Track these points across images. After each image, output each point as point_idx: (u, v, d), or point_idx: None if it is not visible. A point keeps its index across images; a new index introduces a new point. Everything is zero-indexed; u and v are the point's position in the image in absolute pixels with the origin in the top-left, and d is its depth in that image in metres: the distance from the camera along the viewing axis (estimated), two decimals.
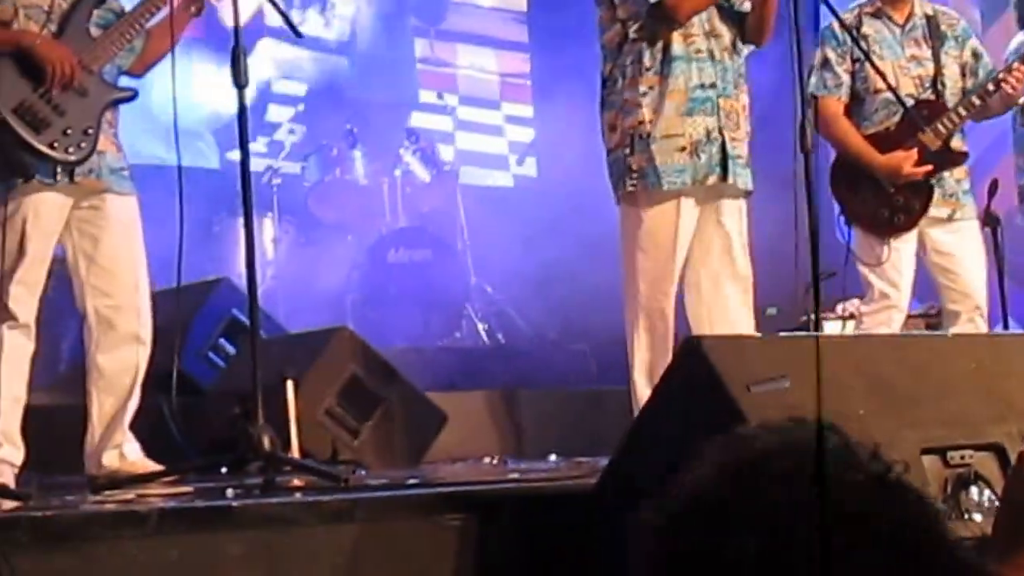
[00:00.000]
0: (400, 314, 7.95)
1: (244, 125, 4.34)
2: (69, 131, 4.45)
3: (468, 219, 8.66)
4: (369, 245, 8.28)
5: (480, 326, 8.18)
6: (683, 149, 5.00)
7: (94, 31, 4.64)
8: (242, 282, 5.31)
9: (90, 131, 4.50)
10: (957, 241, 5.73)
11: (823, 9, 5.25)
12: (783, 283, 5.34)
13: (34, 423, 4.60)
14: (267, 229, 8.07)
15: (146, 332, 4.67)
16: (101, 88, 4.59)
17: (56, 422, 5.02)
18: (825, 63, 5.75)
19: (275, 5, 4.58)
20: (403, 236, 8.32)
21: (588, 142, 8.12)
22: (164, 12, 4.73)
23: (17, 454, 4.44)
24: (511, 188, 9.99)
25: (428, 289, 8.04)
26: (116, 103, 4.69)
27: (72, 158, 4.44)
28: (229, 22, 4.36)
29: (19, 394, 4.47)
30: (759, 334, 5.05)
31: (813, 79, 5.72)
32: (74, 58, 4.48)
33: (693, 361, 3.44)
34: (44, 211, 4.48)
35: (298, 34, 4.74)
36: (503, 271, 8.57)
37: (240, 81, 4.36)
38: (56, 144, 4.40)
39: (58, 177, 4.45)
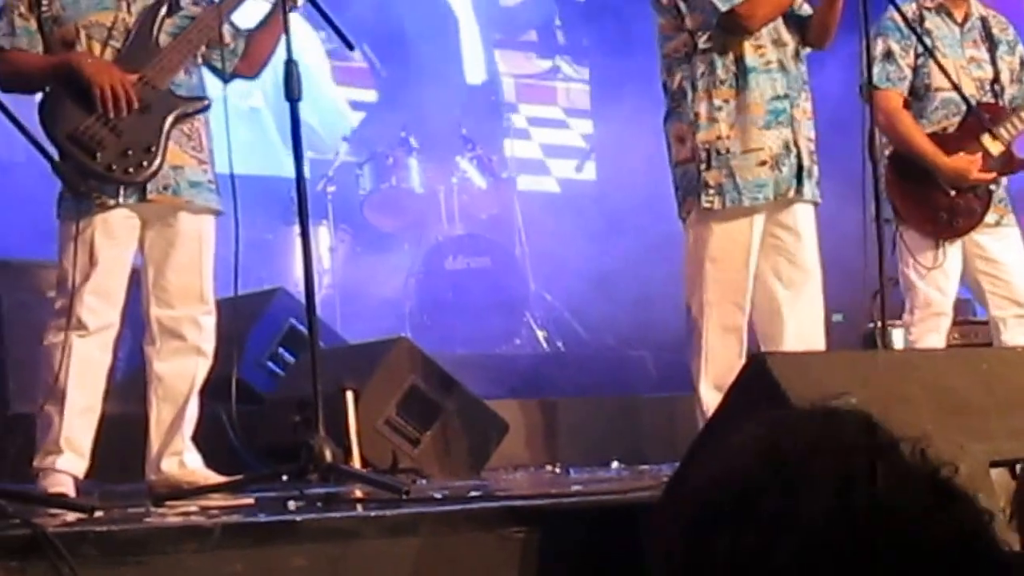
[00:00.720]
0: (458, 322, 7.93)
1: (298, 137, 4.33)
2: (129, 151, 4.41)
3: (526, 225, 8.64)
4: (426, 253, 8.26)
5: (539, 333, 8.15)
6: (764, 163, 4.95)
7: (165, 41, 4.58)
8: (299, 291, 5.30)
9: (153, 148, 4.44)
10: (1003, 248, 5.64)
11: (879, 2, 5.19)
12: (849, 289, 5.28)
13: (112, 430, 4.62)
14: (323, 238, 8.07)
15: (208, 346, 4.66)
16: (166, 102, 4.52)
17: (114, 430, 5.02)
18: (888, 55, 5.60)
19: (326, 17, 4.54)
20: (461, 243, 8.30)
21: (647, 147, 8.10)
22: (253, 10, 4.70)
23: (80, 464, 4.43)
24: (570, 194, 9.95)
25: (486, 296, 8.01)
26: (187, 115, 4.60)
27: (135, 178, 4.41)
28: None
29: (90, 404, 4.46)
30: (825, 349, 4.99)
31: (876, 70, 5.59)
32: (126, 76, 4.42)
33: (758, 377, 3.41)
34: (113, 225, 4.47)
35: (351, 46, 4.71)
36: (562, 277, 8.54)
37: (293, 94, 4.35)
38: (114, 166, 4.38)
39: (121, 198, 4.44)
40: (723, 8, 4.93)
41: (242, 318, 5.52)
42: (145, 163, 4.42)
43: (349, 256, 8.33)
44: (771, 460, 1.33)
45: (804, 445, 1.33)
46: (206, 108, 4.66)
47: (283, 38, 4.42)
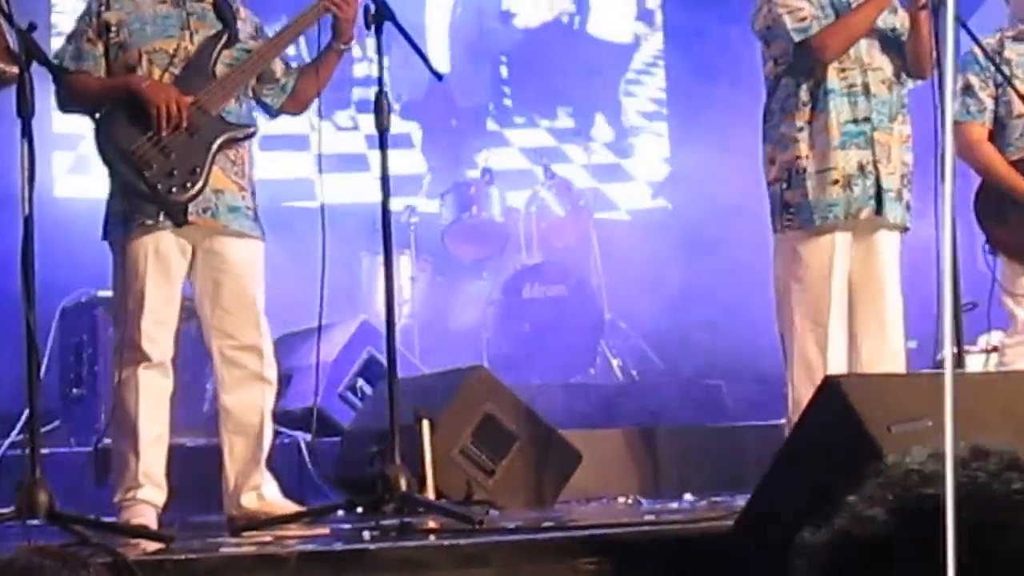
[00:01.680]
0: (534, 350, 7.97)
1: (385, 167, 4.42)
2: (174, 172, 4.50)
3: (603, 254, 8.66)
4: (504, 281, 8.31)
5: (614, 362, 8.16)
6: (836, 183, 4.98)
7: (221, 71, 4.69)
8: (380, 321, 5.37)
9: (198, 170, 4.51)
10: None
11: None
12: (923, 314, 5.26)
13: (177, 462, 4.68)
14: (404, 267, 8.14)
15: (271, 372, 4.72)
16: (215, 126, 4.60)
17: (198, 461, 5.11)
18: (967, 88, 5.61)
19: (416, 48, 4.62)
20: (538, 272, 8.34)
21: (724, 174, 8.16)
22: (311, 47, 4.81)
23: (159, 495, 4.51)
24: (646, 222, 9.96)
25: (562, 325, 8.05)
26: (234, 141, 4.68)
27: (177, 198, 4.47)
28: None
29: (159, 433, 4.55)
30: (902, 372, 4.99)
31: (956, 105, 5.60)
32: (183, 99, 4.52)
33: (832, 401, 3.42)
34: (163, 249, 4.55)
35: (439, 77, 4.77)
36: (638, 305, 8.54)
37: (383, 125, 4.44)
38: (159, 185, 4.45)
39: (161, 217, 4.52)
40: (797, 39, 4.98)
41: (325, 348, 5.60)
42: (188, 184, 4.50)
43: (429, 285, 8.39)
44: (898, 512, 1.34)
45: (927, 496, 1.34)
46: (252, 135, 4.77)
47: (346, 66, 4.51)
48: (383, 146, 4.44)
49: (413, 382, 5.80)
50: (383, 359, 5.84)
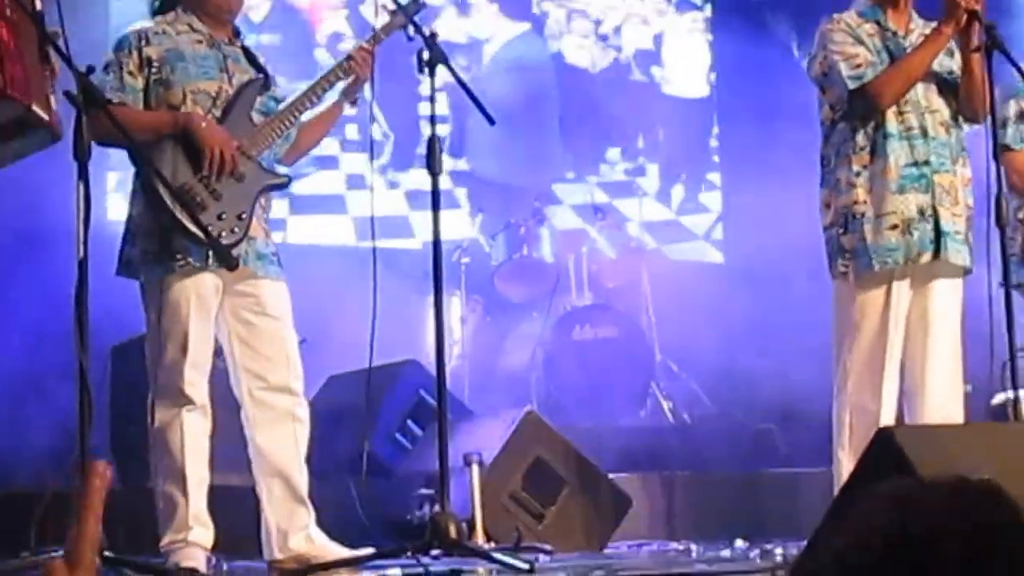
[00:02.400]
0: (585, 393, 7.95)
1: (437, 209, 4.42)
2: (224, 215, 4.53)
3: (654, 295, 8.64)
4: (554, 323, 8.30)
5: (665, 405, 8.13)
6: (895, 227, 4.94)
7: (256, 117, 4.73)
8: (430, 362, 5.37)
9: (243, 216, 4.55)
10: None
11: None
12: (977, 358, 5.21)
13: (220, 503, 4.67)
14: (454, 308, 8.14)
15: (303, 410, 4.70)
16: (258, 174, 4.65)
17: (242, 502, 5.10)
18: (1021, 115, 5.57)
19: (469, 93, 4.63)
20: (588, 313, 8.33)
21: (777, 214, 8.13)
22: (322, 103, 4.86)
23: (208, 536, 4.51)
24: (698, 263, 9.95)
25: (613, 367, 8.03)
26: (271, 189, 4.75)
27: (225, 242, 4.49)
28: None
29: (204, 475, 4.55)
30: (959, 422, 4.93)
31: (1009, 131, 5.55)
32: (234, 143, 4.58)
33: (886, 451, 3.38)
34: (203, 292, 4.56)
35: (492, 121, 4.78)
36: (689, 348, 8.51)
37: (435, 168, 4.44)
38: (210, 228, 4.48)
39: (210, 261, 4.54)
40: (852, 86, 4.96)
41: (374, 390, 5.60)
42: (236, 229, 4.53)
43: (479, 326, 8.39)
44: (899, 542, 1.32)
45: (932, 524, 1.31)
46: (288, 184, 4.80)
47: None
48: (435, 190, 4.45)
49: (463, 424, 5.80)
50: (433, 401, 5.87)
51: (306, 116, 4.90)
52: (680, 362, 8.51)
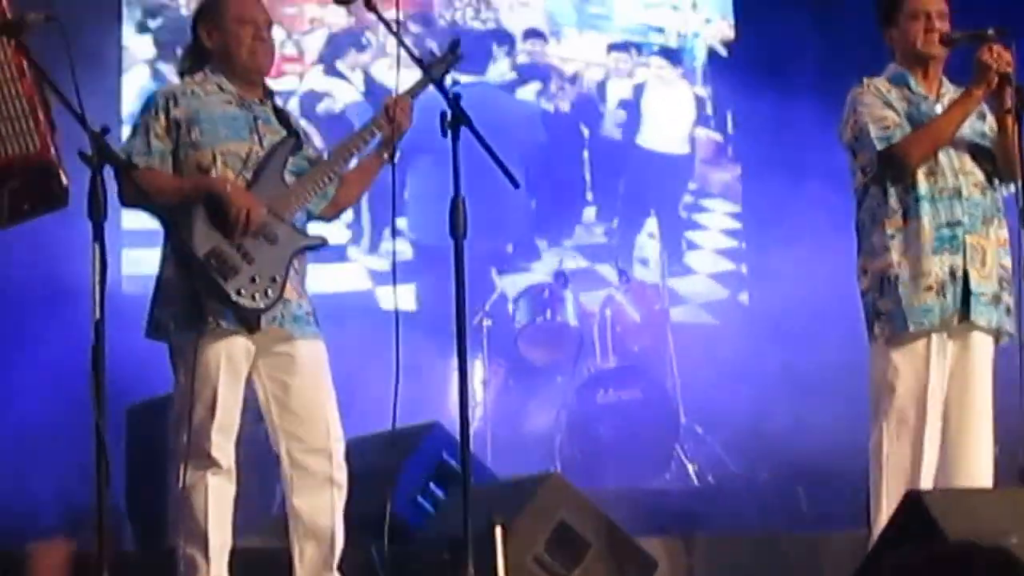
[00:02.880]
0: (609, 455, 7.91)
1: (461, 273, 4.38)
2: (257, 279, 4.51)
3: (679, 356, 8.60)
4: (578, 386, 8.27)
5: (690, 467, 8.08)
6: (930, 288, 4.92)
7: (288, 178, 4.71)
8: (452, 425, 5.32)
9: (277, 279, 4.54)
10: None
11: None
12: (1005, 420, 5.15)
13: (245, 565, 4.63)
14: (477, 371, 8.12)
15: (341, 475, 4.68)
16: (291, 236, 4.64)
17: (267, 564, 5.06)
18: None
19: (493, 156, 4.59)
20: (612, 376, 8.30)
21: (804, 275, 8.11)
22: (357, 158, 4.84)
23: None
24: (723, 325, 9.90)
25: (637, 430, 7.99)
26: (305, 251, 4.72)
27: (259, 305, 4.48)
28: None
29: (227, 539, 4.53)
30: (989, 486, 4.87)
31: None
32: (263, 206, 4.55)
33: (915, 515, 3.35)
34: (235, 355, 4.54)
35: (516, 184, 4.75)
36: (714, 410, 8.48)
37: (459, 232, 4.41)
38: (243, 291, 4.46)
39: (240, 325, 4.51)
40: (879, 147, 4.96)
41: (397, 453, 5.56)
42: (270, 292, 4.52)
43: (502, 389, 8.37)
44: None
45: None
46: (323, 245, 4.77)
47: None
48: (458, 251, 4.41)
49: (487, 488, 5.74)
50: (455, 463, 5.82)
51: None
52: (705, 424, 8.46)
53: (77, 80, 3.67)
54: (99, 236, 3.73)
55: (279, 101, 4.94)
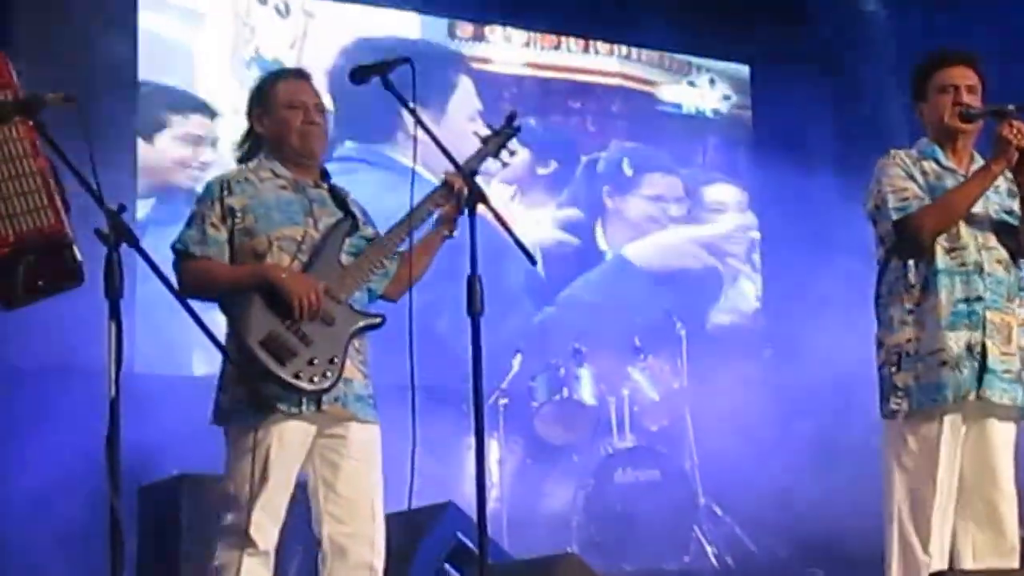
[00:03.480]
0: (627, 536, 7.85)
1: (478, 351, 4.34)
2: (315, 361, 4.48)
3: (697, 435, 8.55)
4: (595, 466, 8.22)
5: (709, 549, 8.01)
6: (944, 364, 4.85)
7: (345, 259, 4.67)
8: (467, 505, 5.28)
9: (335, 360, 4.50)
10: None
11: None
12: None
13: None
14: (493, 450, 8.08)
15: (379, 562, 4.61)
16: (348, 317, 4.59)
17: None
18: None
19: (511, 232, 4.56)
20: (630, 456, 8.25)
21: (821, 353, 8.06)
22: (417, 235, 4.77)
23: None
24: (743, 405, 9.81)
25: (655, 511, 7.94)
26: (364, 330, 4.67)
27: (317, 387, 4.45)
28: None
29: None
30: (1015, 568, 4.80)
31: None
32: (319, 289, 4.52)
33: None
34: (288, 438, 4.50)
35: (533, 262, 4.71)
36: (733, 490, 8.42)
37: (476, 309, 4.37)
38: (301, 374, 4.43)
39: (303, 407, 4.49)
40: (895, 217, 4.92)
41: (412, 533, 5.50)
42: (329, 374, 4.47)
43: (518, 468, 8.32)
44: None
45: None
46: (382, 324, 4.72)
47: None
48: (475, 327, 4.37)
49: (503, 568, 5.69)
50: (471, 544, 5.75)
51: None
52: (724, 504, 8.40)
53: (94, 160, 3.66)
54: (115, 314, 3.70)
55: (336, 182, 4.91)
